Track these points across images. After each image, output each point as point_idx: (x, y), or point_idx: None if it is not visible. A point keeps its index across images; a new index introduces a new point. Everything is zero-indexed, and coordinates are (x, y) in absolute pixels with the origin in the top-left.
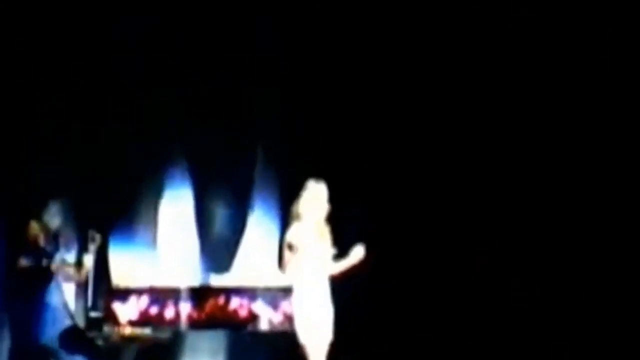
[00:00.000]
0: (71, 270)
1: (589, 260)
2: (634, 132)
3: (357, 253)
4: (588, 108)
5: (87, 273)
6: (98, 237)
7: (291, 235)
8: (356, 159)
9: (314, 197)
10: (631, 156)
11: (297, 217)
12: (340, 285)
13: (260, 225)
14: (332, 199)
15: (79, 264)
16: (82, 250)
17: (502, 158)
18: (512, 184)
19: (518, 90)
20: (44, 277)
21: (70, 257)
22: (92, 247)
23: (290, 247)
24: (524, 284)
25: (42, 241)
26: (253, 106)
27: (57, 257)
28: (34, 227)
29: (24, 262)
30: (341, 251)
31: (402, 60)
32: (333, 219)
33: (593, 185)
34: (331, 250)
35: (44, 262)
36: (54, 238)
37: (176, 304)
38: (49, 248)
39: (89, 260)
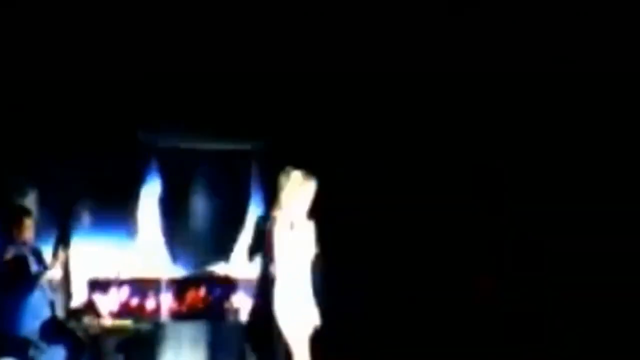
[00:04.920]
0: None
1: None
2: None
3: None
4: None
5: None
6: (62, 255)
7: (271, 223)
8: (346, 154)
9: (299, 189)
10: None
11: (278, 206)
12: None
13: (241, 217)
14: (320, 194)
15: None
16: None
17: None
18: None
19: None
20: (25, 270)
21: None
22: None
23: (270, 234)
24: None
25: (29, 237)
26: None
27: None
28: (28, 223)
29: (9, 254)
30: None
31: (390, 55)
32: (319, 215)
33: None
34: (312, 245)
35: (28, 256)
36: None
37: (157, 295)
38: (34, 246)
39: (57, 273)
